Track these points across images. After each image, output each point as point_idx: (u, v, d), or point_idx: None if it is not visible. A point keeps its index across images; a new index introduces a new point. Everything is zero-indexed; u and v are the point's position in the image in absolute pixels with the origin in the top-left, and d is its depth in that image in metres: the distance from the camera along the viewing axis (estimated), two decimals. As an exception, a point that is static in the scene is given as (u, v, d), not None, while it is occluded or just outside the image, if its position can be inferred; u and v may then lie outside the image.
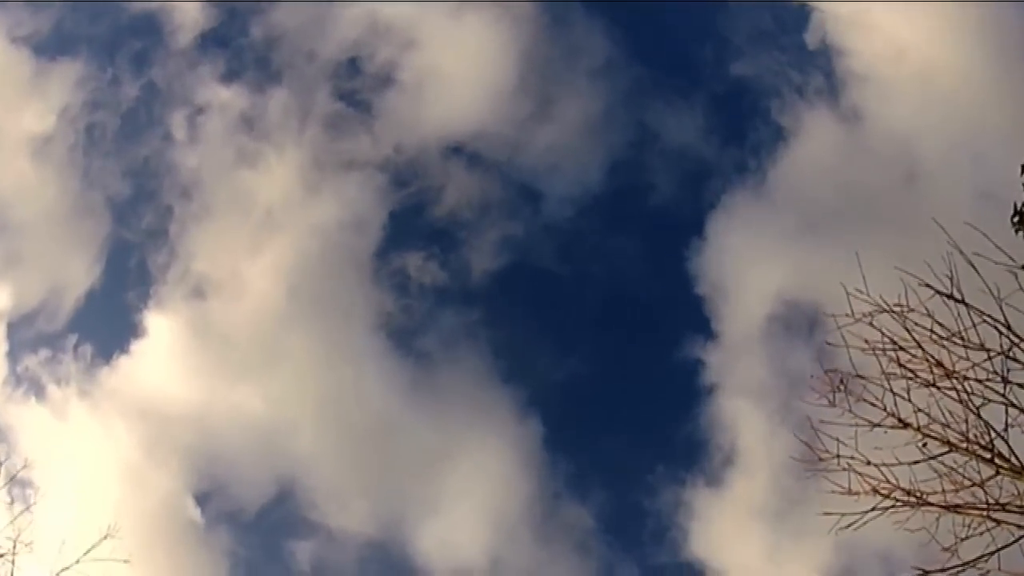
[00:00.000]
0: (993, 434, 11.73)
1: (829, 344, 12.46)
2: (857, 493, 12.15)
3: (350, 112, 27.82)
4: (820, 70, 25.11)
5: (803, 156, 24.54)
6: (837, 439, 12.25)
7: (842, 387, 12.35)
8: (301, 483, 24.48)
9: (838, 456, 12.26)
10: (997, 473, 11.66)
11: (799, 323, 23.44)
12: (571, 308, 26.00)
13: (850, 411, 12.31)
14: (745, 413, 22.97)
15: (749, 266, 24.17)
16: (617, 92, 26.80)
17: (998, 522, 11.57)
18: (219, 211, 27.46)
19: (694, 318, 24.32)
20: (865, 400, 12.22)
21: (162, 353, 25.87)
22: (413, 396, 25.18)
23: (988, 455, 11.68)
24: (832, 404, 12.38)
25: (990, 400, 11.78)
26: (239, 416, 25.16)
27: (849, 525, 12.12)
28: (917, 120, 23.43)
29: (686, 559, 22.24)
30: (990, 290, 11.77)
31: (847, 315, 12.40)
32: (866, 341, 12.26)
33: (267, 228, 26.94)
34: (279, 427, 25.02)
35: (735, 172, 25.21)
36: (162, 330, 26.02)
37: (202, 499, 24.62)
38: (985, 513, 11.61)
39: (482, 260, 26.16)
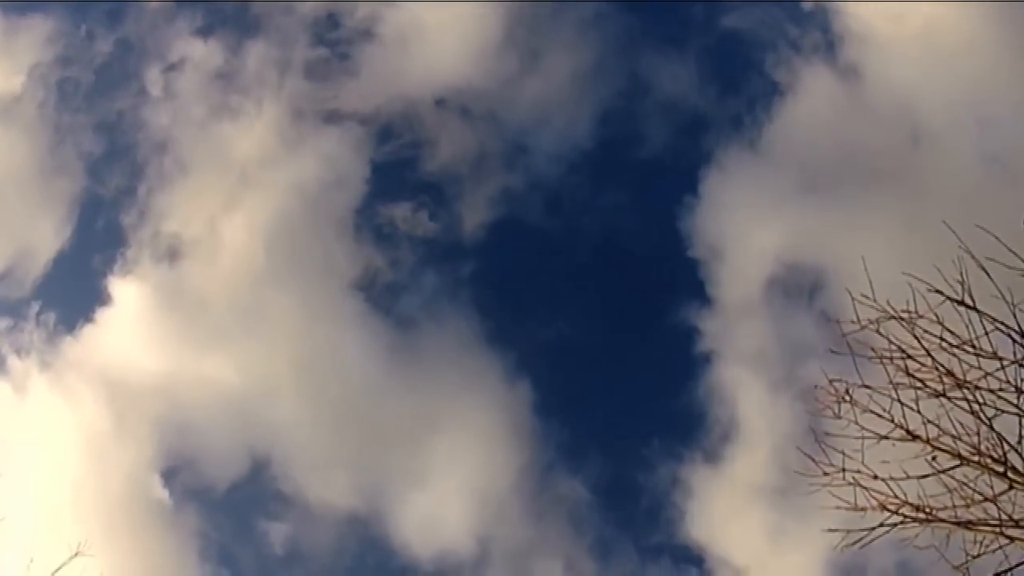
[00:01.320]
0: (1006, 447, 11.27)
1: (833, 352, 11.90)
2: (864, 509, 11.72)
3: (330, 67, 27.22)
4: (817, 27, 24.41)
5: (799, 113, 23.98)
6: (842, 452, 11.80)
7: (847, 397, 11.82)
8: (275, 457, 23.90)
9: (843, 470, 11.81)
10: (1010, 487, 11.22)
11: (800, 287, 22.93)
12: (560, 268, 25.49)
13: (856, 422, 11.83)
14: (744, 383, 22.53)
15: (746, 226, 23.63)
16: (608, 43, 25.96)
17: (1011, 539, 11.17)
18: (194, 169, 26.87)
19: (688, 282, 23.81)
20: (871, 411, 11.75)
21: (130, 321, 25.28)
22: (395, 361, 24.61)
23: (1001, 468, 11.23)
24: (837, 415, 11.88)
25: (1003, 411, 11.30)
26: (210, 387, 24.54)
27: (855, 542, 11.72)
28: (919, 81, 22.81)
29: (683, 541, 21.87)
30: (1003, 296, 11.23)
31: (853, 321, 11.83)
32: (873, 349, 11.76)
33: (244, 186, 26.36)
34: (252, 397, 24.39)
35: (730, 126, 24.59)
36: (130, 296, 25.44)
37: (170, 476, 24.00)
38: (998, 529, 11.19)
39: (467, 217, 25.60)
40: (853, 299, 11.79)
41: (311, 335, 24.96)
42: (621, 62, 25.95)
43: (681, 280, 23.88)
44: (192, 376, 24.58)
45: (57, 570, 14.73)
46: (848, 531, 11.71)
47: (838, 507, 11.79)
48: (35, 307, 25.28)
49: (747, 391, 22.42)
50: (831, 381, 11.93)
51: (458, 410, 23.99)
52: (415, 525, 22.98)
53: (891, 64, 23.14)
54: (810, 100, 23.72)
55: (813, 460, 11.85)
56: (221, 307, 25.39)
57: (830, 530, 11.82)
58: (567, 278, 25.19)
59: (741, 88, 24.94)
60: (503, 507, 22.97)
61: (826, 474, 11.82)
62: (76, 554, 15.05)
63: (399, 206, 25.42)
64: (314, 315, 25.16)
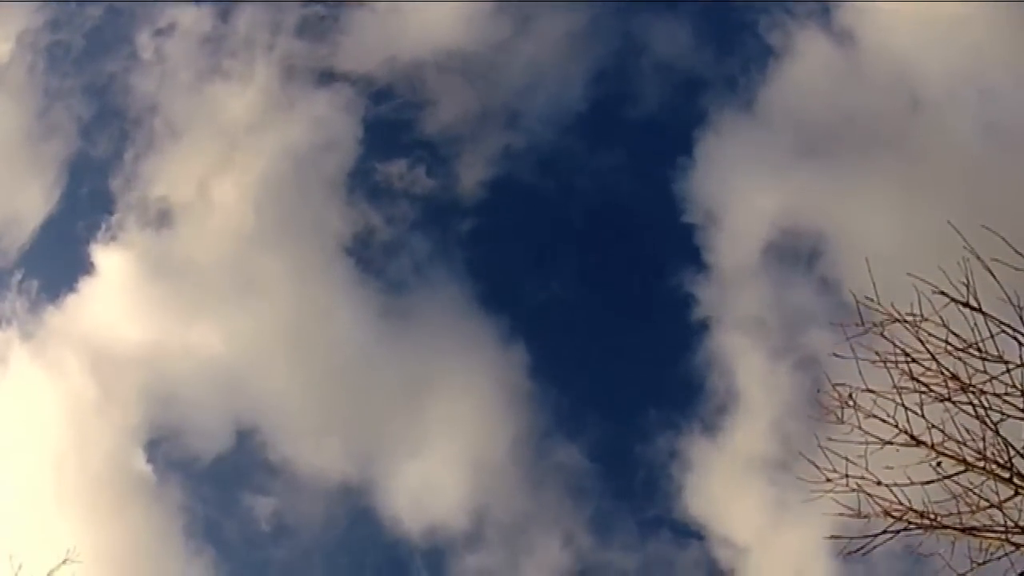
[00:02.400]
0: (1012, 452, 11.11)
1: (837, 356, 11.71)
2: (867, 515, 11.59)
3: (321, 29, 26.77)
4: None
5: (794, 76, 23.61)
6: (846, 458, 11.62)
7: (851, 402, 11.64)
8: (262, 428, 23.59)
9: (847, 476, 11.65)
10: (1016, 493, 11.10)
11: (798, 253, 22.70)
12: (554, 231, 25.21)
13: (859, 428, 11.66)
14: (742, 351, 22.33)
15: (742, 190, 23.30)
16: (602, 4, 25.68)
17: (1017, 545, 11.06)
18: (185, 133, 26.48)
19: (684, 247, 23.56)
20: (875, 416, 11.57)
21: (114, 289, 24.95)
22: (386, 326, 24.25)
23: (1007, 474, 11.10)
24: (840, 420, 11.71)
25: (1009, 416, 11.14)
26: (196, 356, 24.20)
27: (859, 549, 11.57)
28: (916, 48, 22.43)
29: (681, 516, 21.78)
30: (1009, 298, 11.02)
31: (856, 324, 11.63)
32: (876, 353, 11.55)
33: (235, 149, 25.99)
34: (239, 366, 24.03)
35: (725, 88, 24.28)
36: (115, 264, 25.07)
37: (154, 449, 23.69)
38: (1004, 536, 11.08)
39: (461, 179, 25.26)
40: (858, 301, 11.53)
41: (300, 301, 24.71)
42: (615, 23, 25.54)
43: (677, 245, 23.66)
44: (178, 345, 24.36)
45: (51, 573, 14.56)
46: (852, 538, 11.54)
47: (841, 513, 11.61)
48: (17, 276, 24.86)
49: (745, 359, 22.26)
50: (835, 385, 11.73)
51: (451, 376, 23.77)
52: (406, 497, 22.81)
53: (887, 30, 22.76)
54: (805, 64, 23.43)
55: (816, 466, 11.59)
56: (209, 273, 25.15)
57: (833, 536, 11.64)
58: (561, 241, 25.01)
59: (735, 50, 24.57)
60: (497, 477, 22.85)
61: (829, 480, 11.65)
62: (65, 560, 14.90)
63: (395, 164, 25.00)
64: (304, 280, 24.90)
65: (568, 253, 24.86)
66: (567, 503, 22.71)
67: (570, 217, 24.97)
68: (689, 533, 21.70)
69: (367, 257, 24.73)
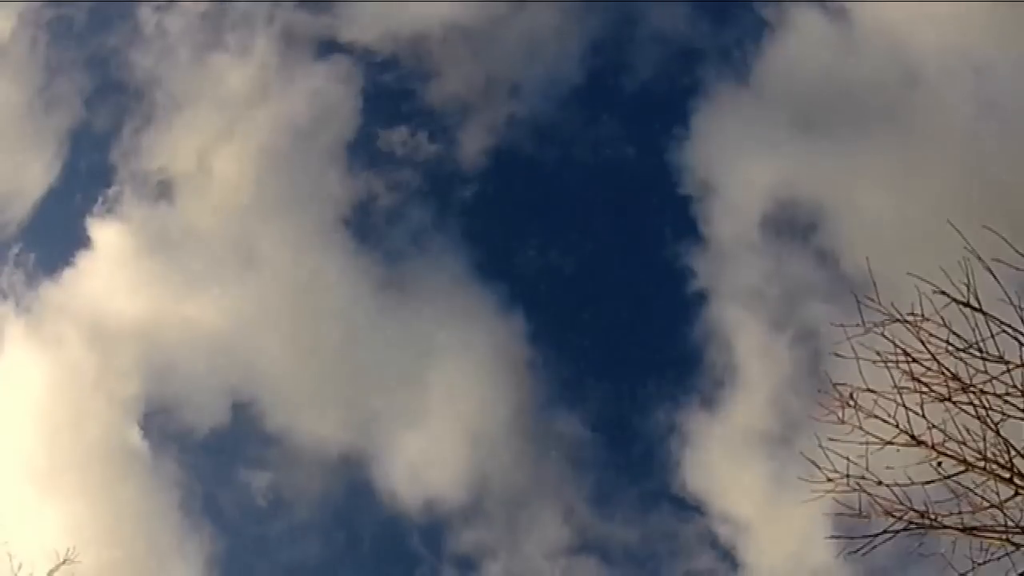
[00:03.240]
0: (1013, 452, 11.09)
1: (837, 355, 11.68)
2: (868, 515, 11.59)
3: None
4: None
5: (789, 50, 23.45)
6: (847, 458, 11.59)
7: (851, 402, 11.62)
8: (258, 401, 23.57)
9: (847, 476, 11.62)
10: (1016, 493, 11.11)
11: (794, 225, 22.61)
12: (551, 202, 25.11)
13: (860, 428, 11.63)
14: (740, 324, 22.29)
15: (738, 162, 23.16)
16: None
17: (1018, 546, 11.09)
18: (185, 106, 26.27)
19: (681, 219, 23.47)
20: (876, 416, 11.53)
21: (112, 262, 24.87)
22: (383, 296, 24.19)
23: (1007, 474, 11.10)
24: (841, 420, 11.69)
25: (1010, 416, 11.12)
26: (193, 329, 24.22)
27: (859, 549, 11.60)
28: (912, 22, 22.18)
29: (681, 491, 21.83)
30: (1010, 298, 10.97)
31: (857, 324, 11.59)
32: (877, 353, 11.51)
33: (234, 123, 25.78)
34: (236, 339, 24.07)
35: (721, 61, 24.12)
36: (113, 237, 25.00)
37: (150, 423, 23.70)
38: (1004, 537, 11.10)
39: (457, 151, 25.08)
40: (859, 301, 11.48)
41: (298, 272, 24.65)
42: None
43: (673, 217, 23.52)
44: (174, 319, 24.34)
45: (51, 573, 14.62)
46: (852, 538, 11.55)
47: (842, 513, 11.62)
48: (15, 249, 24.75)
49: (743, 332, 22.22)
50: (835, 385, 11.66)
51: (449, 347, 23.75)
52: (404, 471, 22.83)
53: (882, 5, 22.50)
54: (800, 37, 23.19)
55: (817, 466, 11.60)
56: (207, 246, 25.08)
57: (834, 536, 11.67)
58: (559, 212, 24.87)
59: (731, 22, 24.42)
60: (496, 449, 22.89)
61: (830, 480, 11.64)
62: (64, 561, 14.94)
63: (396, 131, 24.87)
64: (301, 252, 24.83)
65: (566, 224, 24.75)
66: (566, 476, 22.79)
67: (568, 188, 24.89)
68: (689, 508, 21.77)
69: (365, 228, 24.69)
